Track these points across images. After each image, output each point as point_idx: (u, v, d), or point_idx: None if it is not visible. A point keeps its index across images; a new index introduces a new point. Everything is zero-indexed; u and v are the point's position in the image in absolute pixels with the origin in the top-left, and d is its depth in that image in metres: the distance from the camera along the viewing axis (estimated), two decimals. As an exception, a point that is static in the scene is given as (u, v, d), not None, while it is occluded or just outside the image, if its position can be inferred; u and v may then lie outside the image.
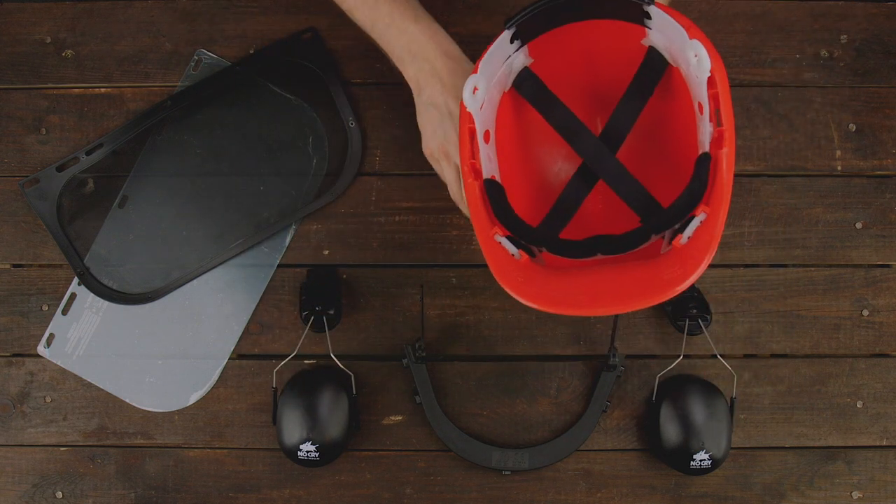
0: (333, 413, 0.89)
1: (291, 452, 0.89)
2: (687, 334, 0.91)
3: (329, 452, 0.89)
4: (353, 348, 0.94)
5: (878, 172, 0.96)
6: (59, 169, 0.94)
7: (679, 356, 0.92)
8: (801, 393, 0.94)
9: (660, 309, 0.94)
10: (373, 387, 0.94)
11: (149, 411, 0.94)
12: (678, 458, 0.89)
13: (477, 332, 0.94)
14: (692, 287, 0.91)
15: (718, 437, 0.89)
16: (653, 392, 0.91)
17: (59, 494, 0.93)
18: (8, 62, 0.97)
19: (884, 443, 0.94)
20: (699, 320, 0.90)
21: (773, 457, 0.94)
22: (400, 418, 0.94)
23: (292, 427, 0.89)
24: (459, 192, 0.81)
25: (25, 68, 0.96)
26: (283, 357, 0.93)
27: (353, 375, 0.91)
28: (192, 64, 0.96)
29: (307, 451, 0.88)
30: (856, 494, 0.93)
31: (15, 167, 0.96)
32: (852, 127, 0.96)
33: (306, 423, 0.88)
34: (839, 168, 0.96)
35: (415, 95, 0.82)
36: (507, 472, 0.92)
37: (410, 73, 0.81)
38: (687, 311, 0.90)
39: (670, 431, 0.89)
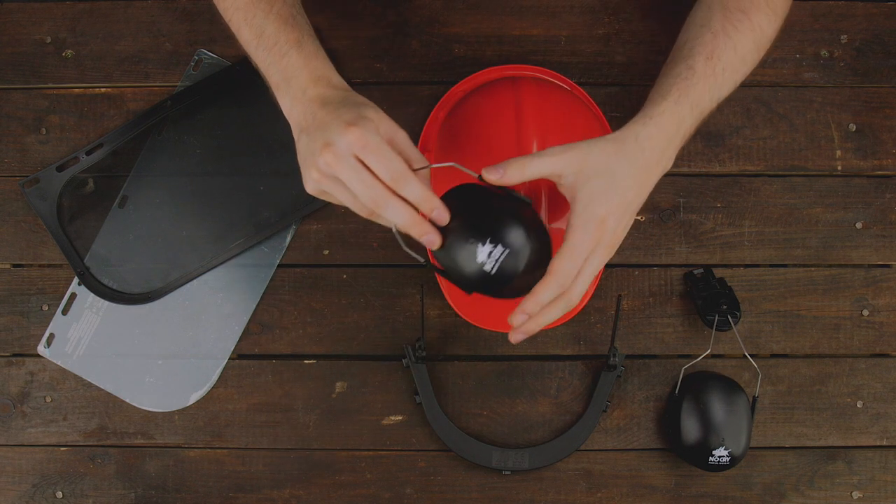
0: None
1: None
2: (715, 330, 0.91)
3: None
4: (353, 348, 0.94)
5: (878, 172, 0.96)
6: (59, 169, 0.94)
7: (707, 351, 0.92)
8: (801, 393, 0.94)
9: (659, 308, 0.94)
10: (373, 387, 0.94)
11: (149, 411, 0.94)
12: (696, 453, 0.89)
13: (477, 332, 0.94)
14: (722, 283, 0.92)
15: (738, 435, 0.89)
16: (675, 385, 0.91)
17: (59, 494, 0.93)
18: (8, 62, 0.97)
19: (884, 443, 0.94)
20: (728, 316, 0.90)
21: (773, 457, 0.94)
22: (400, 418, 0.94)
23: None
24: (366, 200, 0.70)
25: (25, 68, 0.96)
26: (283, 357, 0.93)
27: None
28: (192, 64, 0.96)
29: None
30: (856, 494, 0.93)
31: (15, 167, 0.96)
32: (852, 127, 0.96)
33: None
34: (839, 168, 0.96)
35: (293, 130, 0.75)
36: (507, 472, 0.92)
37: (286, 104, 0.74)
38: (718, 306, 0.90)
39: (690, 426, 0.89)
